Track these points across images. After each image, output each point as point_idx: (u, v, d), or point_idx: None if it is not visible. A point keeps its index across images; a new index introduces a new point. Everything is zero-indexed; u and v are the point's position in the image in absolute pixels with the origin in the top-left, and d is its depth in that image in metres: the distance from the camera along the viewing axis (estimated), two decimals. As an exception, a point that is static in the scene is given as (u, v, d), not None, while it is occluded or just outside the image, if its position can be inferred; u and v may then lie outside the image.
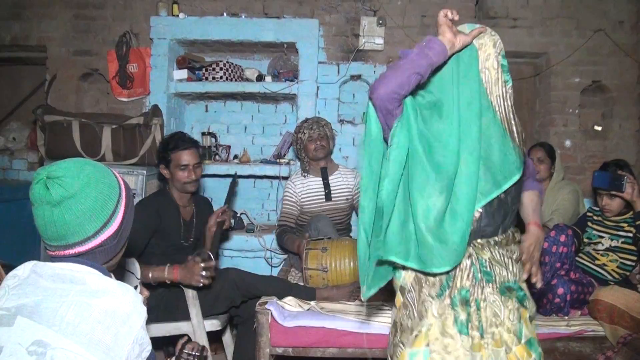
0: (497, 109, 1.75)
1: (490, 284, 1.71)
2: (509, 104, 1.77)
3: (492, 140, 1.70)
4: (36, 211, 1.24)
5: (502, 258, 1.74)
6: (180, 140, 2.93)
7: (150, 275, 2.63)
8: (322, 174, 3.64)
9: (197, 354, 1.80)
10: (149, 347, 1.29)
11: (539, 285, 1.86)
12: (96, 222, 1.27)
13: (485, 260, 1.72)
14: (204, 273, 2.64)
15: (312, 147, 3.58)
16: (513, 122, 1.76)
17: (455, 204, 1.62)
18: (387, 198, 1.63)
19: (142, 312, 1.27)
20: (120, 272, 2.20)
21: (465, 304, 1.69)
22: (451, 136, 1.63)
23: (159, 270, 2.66)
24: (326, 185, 3.63)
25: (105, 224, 1.29)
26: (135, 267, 2.44)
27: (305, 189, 3.65)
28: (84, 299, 1.18)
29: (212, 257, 2.75)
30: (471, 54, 1.72)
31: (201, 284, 2.65)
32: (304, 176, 3.68)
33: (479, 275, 1.71)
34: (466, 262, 1.70)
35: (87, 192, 1.25)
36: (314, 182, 3.66)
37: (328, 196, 3.62)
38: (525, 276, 1.81)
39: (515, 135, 1.76)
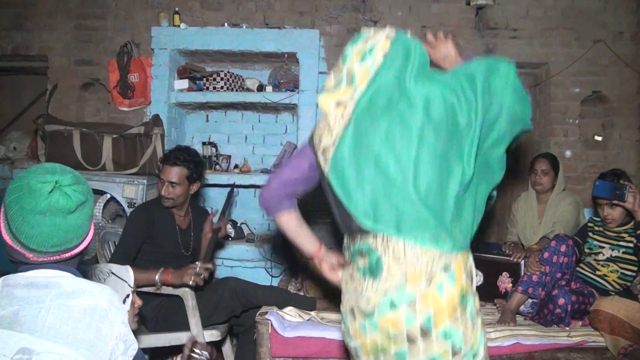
0: None
1: None
2: None
3: None
4: (45, 220, 1.22)
5: None
6: (172, 155, 2.94)
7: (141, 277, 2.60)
8: None
9: (208, 357, 1.80)
10: (135, 346, 1.29)
11: None
12: (89, 223, 1.33)
13: None
14: (197, 270, 2.64)
15: None
16: None
17: None
18: None
19: (121, 308, 1.28)
20: (113, 280, 2.17)
21: None
22: None
23: (150, 272, 2.65)
24: None
25: (91, 225, 1.35)
26: (129, 275, 2.40)
27: None
28: (61, 302, 1.19)
29: (212, 263, 2.76)
30: None
31: (192, 282, 2.63)
32: None
33: None
34: None
35: (91, 196, 1.31)
36: None
37: None
38: None
39: None
